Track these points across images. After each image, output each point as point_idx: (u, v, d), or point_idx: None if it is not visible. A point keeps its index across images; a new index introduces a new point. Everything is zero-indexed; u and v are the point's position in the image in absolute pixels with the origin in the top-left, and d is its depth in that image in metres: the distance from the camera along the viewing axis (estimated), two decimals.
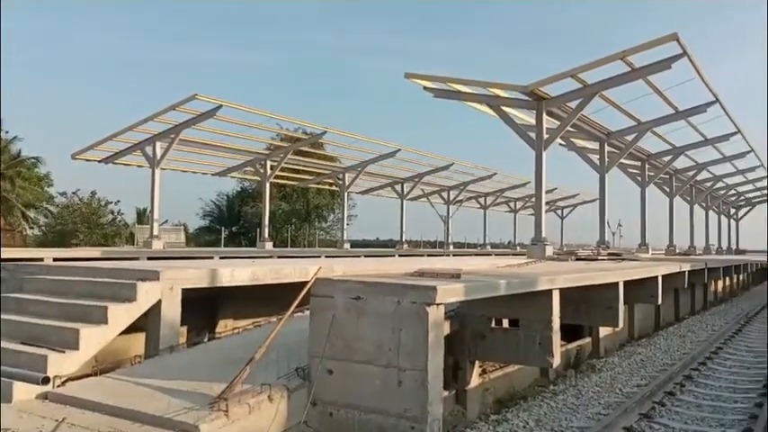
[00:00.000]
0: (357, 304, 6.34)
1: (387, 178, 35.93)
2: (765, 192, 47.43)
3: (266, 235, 29.66)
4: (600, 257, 19.12)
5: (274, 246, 31.25)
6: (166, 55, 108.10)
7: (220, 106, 20.67)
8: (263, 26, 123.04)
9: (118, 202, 44.50)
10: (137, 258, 16.09)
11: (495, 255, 31.36)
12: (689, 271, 17.10)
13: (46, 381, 6.04)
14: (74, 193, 42.68)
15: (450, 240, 41.07)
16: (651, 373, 10.67)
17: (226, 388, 5.73)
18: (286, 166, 30.16)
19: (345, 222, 37.15)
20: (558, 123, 19.18)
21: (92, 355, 6.77)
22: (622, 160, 25.02)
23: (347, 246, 34.21)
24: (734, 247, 52.86)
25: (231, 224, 50.54)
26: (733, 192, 45.67)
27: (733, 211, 53.79)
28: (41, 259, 13.35)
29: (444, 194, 40.63)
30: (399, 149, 29.12)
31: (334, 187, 39.03)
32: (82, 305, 7.37)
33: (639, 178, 28.14)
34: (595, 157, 23.64)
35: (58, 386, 6.14)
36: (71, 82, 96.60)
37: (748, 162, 33.49)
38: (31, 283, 8.56)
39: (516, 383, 9.96)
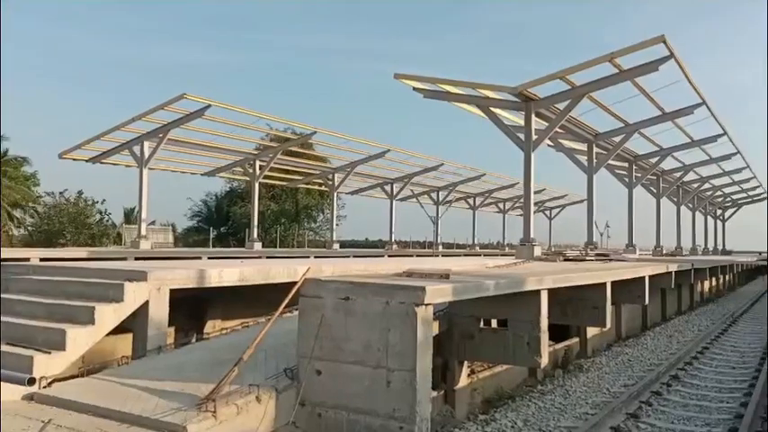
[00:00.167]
0: (346, 305, 6.34)
1: (376, 179, 35.95)
2: (752, 193, 47.96)
3: (255, 235, 29.59)
4: (588, 258, 19.22)
5: (263, 246, 31.16)
6: (154, 55, 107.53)
7: (209, 106, 20.58)
8: (252, 27, 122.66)
9: (104, 201, 44.18)
10: (124, 259, 15.99)
11: (484, 255, 31.44)
12: (676, 271, 17.24)
13: (32, 382, 5.99)
14: (61, 193, 42.38)
15: (439, 241, 41.13)
16: (638, 373, 10.75)
17: (214, 389, 5.71)
18: (275, 166, 30.09)
19: (335, 223, 37.14)
20: (547, 124, 19.27)
21: (79, 355, 6.73)
22: (610, 161, 25.18)
23: (336, 246, 34.19)
24: (720, 247, 53.33)
25: (220, 224, 50.29)
26: (719, 193, 46.06)
27: (719, 212, 54.29)
28: (28, 259, 13.24)
29: (434, 195, 40.71)
30: (389, 150, 29.13)
31: (323, 188, 38.99)
32: (69, 305, 7.32)
33: (627, 179, 28.34)
34: (583, 159, 23.78)
35: (45, 387, 6.09)
36: (58, 81, 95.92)
37: (734, 164, 33.83)
38: (18, 284, 8.49)
39: (504, 383, 9.99)
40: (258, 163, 28.87)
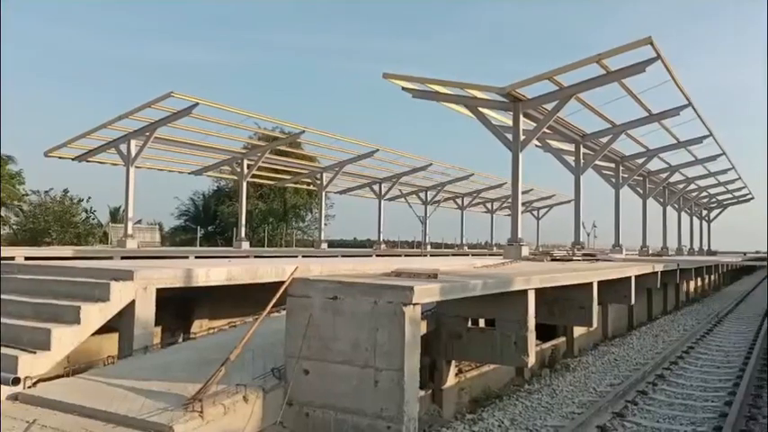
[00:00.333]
0: (334, 304, 6.34)
1: (365, 178, 35.95)
2: (738, 194, 48.44)
3: (243, 235, 29.49)
4: (575, 258, 19.33)
5: (251, 245, 31.04)
6: (142, 53, 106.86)
7: (197, 104, 20.48)
8: (241, 26, 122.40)
9: (89, 199, 43.77)
10: (110, 258, 15.88)
11: (473, 255, 31.51)
12: (661, 271, 17.37)
13: (16, 381, 5.93)
14: (46, 192, 41.96)
15: (427, 240, 41.17)
16: (624, 373, 10.82)
17: (200, 388, 5.69)
18: (263, 165, 30.00)
19: (323, 222, 37.10)
20: (535, 125, 19.36)
21: (64, 355, 6.67)
22: (597, 162, 25.33)
23: (325, 246, 34.14)
24: (705, 248, 53.79)
25: (207, 224, 50.03)
26: (705, 194, 46.47)
27: (705, 212, 54.75)
28: (13, 258, 13.12)
29: (422, 195, 40.79)
30: (377, 150, 29.14)
31: (311, 187, 38.95)
32: (54, 305, 7.26)
33: (614, 180, 28.53)
34: (571, 159, 23.91)
35: (29, 387, 6.04)
36: (43, 78, 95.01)
37: (720, 165, 34.15)
38: (2, 283, 8.39)
39: (492, 383, 10.02)
40: (246, 162, 28.77)
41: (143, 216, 44.88)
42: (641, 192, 33.36)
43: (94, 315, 7.09)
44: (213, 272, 8.80)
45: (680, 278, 21.83)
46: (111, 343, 7.88)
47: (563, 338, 13.25)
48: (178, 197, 53.55)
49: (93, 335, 7.15)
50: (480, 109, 19.03)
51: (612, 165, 28.39)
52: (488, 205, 48.93)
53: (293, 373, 6.38)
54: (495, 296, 7.92)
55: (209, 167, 30.36)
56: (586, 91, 18.38)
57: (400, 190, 38.98)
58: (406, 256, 27.02)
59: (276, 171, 35.33)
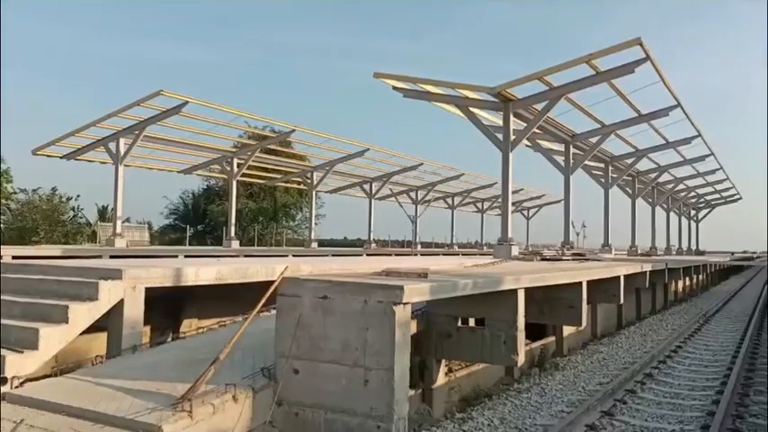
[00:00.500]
0: (324, 303, 6.33)
1: (355, 177, 35.92)
2: (726, 194, 48.79)
3: (232, 234, 29.38)
4: (564, 258, 19.40)
5: (241, 245, 30.93)
6: (131, 51, 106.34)
7: (186, 103, 20.39)
8: (235, 26, 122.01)
9: (78, 197, 43.45)
10: (99, 257, 15.77)
11: (463, 254, 31.58)
12: (650, 271, 17.47)
13: (3, 381, 5.89)
14: (34, 190, 41.62)
15: (417, 240, 41.20)
16: (613, 372, 10.87)
17: (190, 388, 5.66)
18: (253, 164, 29.90)
19: (313, 221, 37.04)
20: (525, 125, 19.40)
21: (52, 355, 6.62)
22: (587, 162, 25.43)
23: (315, 245, 34.09)
24: (694, 247, 54.17)
25: (197, 223, 49.82)
26: (693, 194, 46.79)
27: (693, 212, 55.12)
28: None
29: (412, 194, 40.80)
30: (368, 149, 29.12)
31: (302, 186, 38.86)
32: (42, 304, 7.20)
33: (603, 180, 28.64)
34: (561, 159, 23.99)
35: (17, 387, 5.99)
36: (31, 75, 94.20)
37: (708, 165, 34.38)
38: None
39: (481, 382, 10.05)
40: (236, 161, 28.68)
41: (132, 215, 44.62)
42: (630, 192, 33.54)
43: (83, 314, 7.05)
44: (203, 271, 8.77)
45: (668, 278, 21.98)
46: (99, 342, 7.85)
47: (552, 338, 13.31)
48: (167, 196, 53.36)
49: (81, 334, 7.11)
50: (471, 109, 19.06)
51: (602, 165, 28.52)
52: (479, 205, 49.03)
53: (283, 373, 6.36)
54: (485, 295, 7.94)
55: (199, 166, 30.23)
56: (576, 91, 18.43)
57: (391, 189, 38.98)
58: (396, 255, 27.06)
59: (266, 170, 35.23)
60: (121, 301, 7.54)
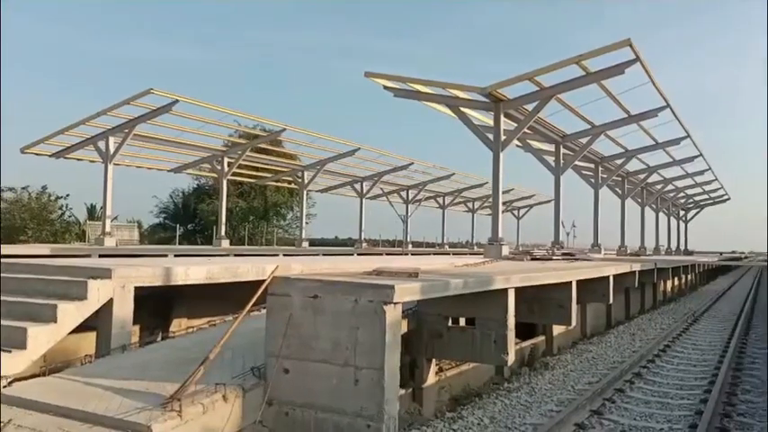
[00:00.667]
0: (314, 303, 6.32)
1: (346, 177, 35.92)
2: (714, 195, 49.13)
3: (223, 233, 29.32)
4: (554, 257, 19.48)
5: (231, 244, 30.87)
6: (131, 51, 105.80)
7: (176, 101, 20.32)
8: (227, 25, 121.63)
9: (67, 196, 43.18)
10: (88, 256, 15.69)
11: (453, 254, 31.62)
12: (639, 271, 17.57)
13: None
14: (23, 188, 41.31)
15: (408, 239, 41.26)
16: (602, 371, 10.92)
17: (179, 388, 5.64)
18: (244, 163, 29.85)
19: (304, 221, 36.99)
20: (516, 125, 19.46)
21: (40, 354, 6.57)
22: (577, 162, 25.56)
23: (306, 244, 34.06)
24: (682, 248, 54.54)
25: (186, 222, 49.63)
26: (682, 195, 47.09)
27: (682, 213, 55.50)
28: None
29: (403, 194, 40.85)
30: (359, 148, 29.13)
31: (293, 185, 38.79)
32: (30, 303, 7.15)
33: (593, 180, 28.79)
34: (551, 159, 24.09)
35: (5, 387, 5.94)
36: (31, 75, 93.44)
37: (697, 166, 34.61)
38: None
39: (472, 381, 10.08)
40: (226, 160, 28.61)
41: (122, 214, 44.37)
42: (620, 192, 33.72)
43: (71, 314, 7.00)
44: (192, 270, 8.73)
45: (657, 278, 22.12)
46: (88, 342, 7.80)
47: (542, 337, 13.36)
48: (157, 195, 53.15)
49: (70, 334, 7.06)
50: (462, 109, 19.09)
51: (592, 165, 28.67)
52: (469, 204, 49.14)
53: (273, 372, 6.35)
54: (476, 295, 7.96)
55: (189, 165, 30.13)
56: (567, 92, 18.52)
57: (382, 189, 39.01)
58: (387, 254, 27.08)
59: (257, 169, 35.16)
60: (111, 301, 7.50)
